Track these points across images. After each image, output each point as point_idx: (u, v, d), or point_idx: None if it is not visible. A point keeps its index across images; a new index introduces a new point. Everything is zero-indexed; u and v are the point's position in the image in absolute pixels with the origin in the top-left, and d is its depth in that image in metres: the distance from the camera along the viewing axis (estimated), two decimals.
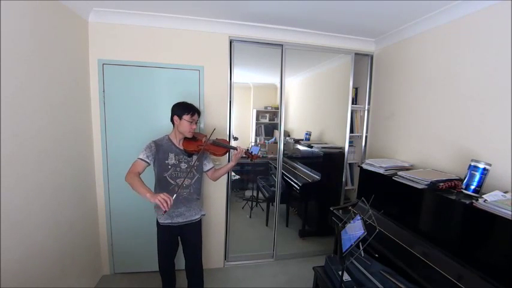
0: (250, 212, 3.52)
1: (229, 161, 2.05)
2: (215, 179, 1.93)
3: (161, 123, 2.31)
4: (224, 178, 2.43)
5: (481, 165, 1.43)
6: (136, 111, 2.26)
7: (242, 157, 1.80)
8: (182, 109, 1.69)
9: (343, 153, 2.76)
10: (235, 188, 3.52)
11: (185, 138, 1.75)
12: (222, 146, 1.82)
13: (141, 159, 1.60)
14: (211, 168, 1.90)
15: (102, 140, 2.23)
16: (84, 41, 2.06)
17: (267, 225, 3.23)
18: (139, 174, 1.55)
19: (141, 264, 2.44)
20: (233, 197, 2.97)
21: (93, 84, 2.16)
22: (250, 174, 3.66)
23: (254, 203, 3.59)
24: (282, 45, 2.45)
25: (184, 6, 2.01)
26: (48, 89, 1.64)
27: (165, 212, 1.35)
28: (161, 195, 1.34)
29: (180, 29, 2.23)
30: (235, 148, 1.79)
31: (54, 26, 1.69)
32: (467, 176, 1.48)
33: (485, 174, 1.42)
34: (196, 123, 1.73)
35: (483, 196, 1.29)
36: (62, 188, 1.79)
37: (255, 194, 3.60)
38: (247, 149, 1.82)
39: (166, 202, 1.33)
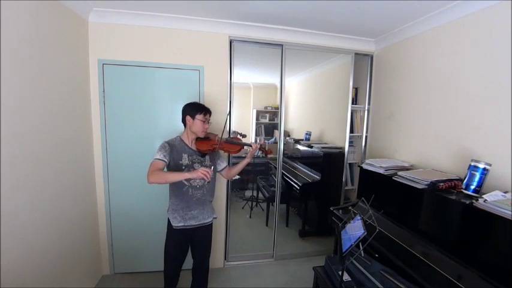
0: (250, 212, 3.51)
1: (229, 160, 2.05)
2: (230, 178, 1.92)
3: (161, 123, 2.32)
4: (224, 178, 2.43)
5: (481, 165, 1.43)
6: (136, 111, 2.26)
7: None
8: (195, 109, 1.68)
9: (343, 153, 2.76)
10: (235, 188, 3.51)
11: (197, 139, 1.74)
12: (236, 144, 1.80)
13: (158, 159, 1.56)
14: (225, 168, 1.90)
15: (102, 140, 2.23)
16: (84, 41, 2.06)
17: (267, 225, 3.23)
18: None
19: (141, 264, 2.44)
20: (233, 197, 2.96)
21: (93, 84, 2.16)
22: (250, 174, 3.65)
23: (254, 203, 3.58)
24: (282, 45, 2.45)
25: (185, 6, 2.01)
26: (48, 89, 1.64)
27: (208, 182, 1.57)
28: (201, 168, 1.46)
29: (180, 29, 2.23)
30: (249, 145, 1.78)
31: (54, 26, 1.69)
32: (467, 176, 1.48)
33: (485, 174, 1.43)
34: (208, 122, 1.73)
35: (483, 196, 1.29)
36: (62, 188, 1.79)
37: (255, 194, 3.59)
38: (261, 145, 1.80)
39: (208, 173, 1.45)
